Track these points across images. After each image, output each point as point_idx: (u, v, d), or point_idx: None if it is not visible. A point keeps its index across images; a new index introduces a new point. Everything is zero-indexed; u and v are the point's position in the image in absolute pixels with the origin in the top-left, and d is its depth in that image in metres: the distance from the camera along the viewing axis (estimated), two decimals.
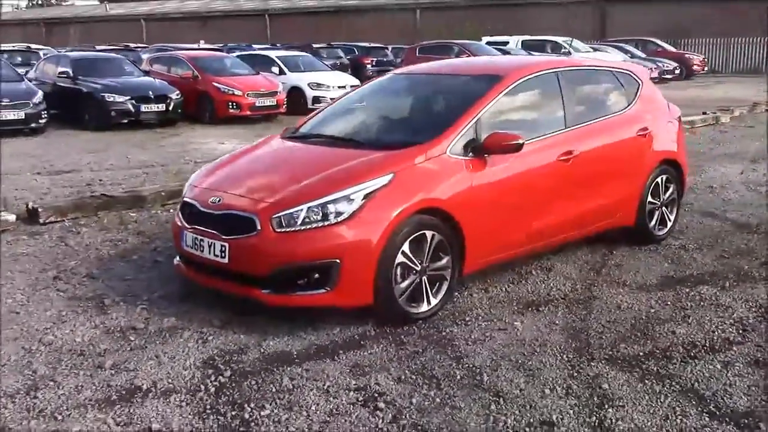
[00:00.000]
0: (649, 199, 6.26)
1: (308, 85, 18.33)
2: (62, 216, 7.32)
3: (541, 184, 5.37)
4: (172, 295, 5.21)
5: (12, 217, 7.08)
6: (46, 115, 14.17)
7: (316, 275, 4.41)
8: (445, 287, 4.82)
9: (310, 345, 4.40)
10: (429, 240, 4.67)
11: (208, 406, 3.68)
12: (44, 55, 18.93)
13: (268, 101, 16.61)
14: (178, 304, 5.03)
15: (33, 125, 13.91)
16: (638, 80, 6.41)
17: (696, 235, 6.72)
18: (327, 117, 5.93)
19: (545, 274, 5.68)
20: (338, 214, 4.42)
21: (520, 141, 4.97)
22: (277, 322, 4.65)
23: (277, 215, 4.45)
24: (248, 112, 16.25)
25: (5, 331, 4.59)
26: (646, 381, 3.93)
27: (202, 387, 3.87)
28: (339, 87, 17.81)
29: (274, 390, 3.84)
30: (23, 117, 13.75)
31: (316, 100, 17.68)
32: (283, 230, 4.43)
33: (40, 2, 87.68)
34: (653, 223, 6.35)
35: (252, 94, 16.20)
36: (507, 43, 26.43)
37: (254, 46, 28.18)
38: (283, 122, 14.89)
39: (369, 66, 25.47)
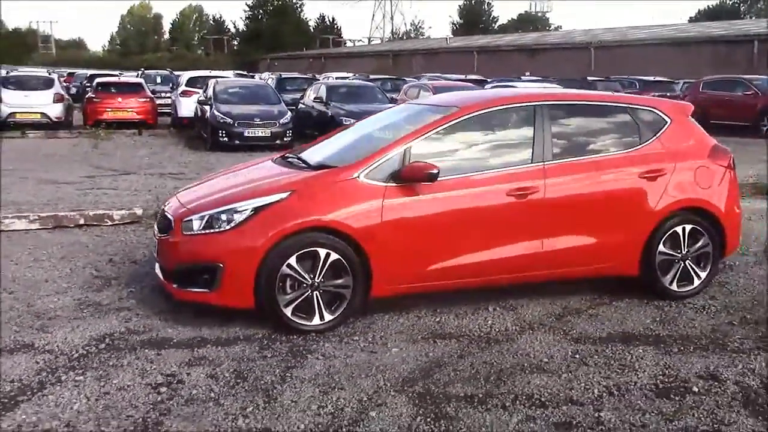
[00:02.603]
0: (662, 248, 5.64)
1: None
2: None
3: (481, 219, 5.23)
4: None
5: (140, 211, 8.57)
6: (290, 134, 16.23)
7: (205, 276, 4.95)
8: (344, 306, 5.02)
9: (196, 337, 4.94)
10: (322, 257, 4.92)
11: (53, 367, 4.43)
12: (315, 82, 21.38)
13: None
14: (154, 293, 5.85)
15: (278, 142, 16.02)
16: (665, 118, 5.80)
17: (739, 297, 5.85)
18: (326, 141, 6.33)
19: (500, 312, 5.50)
20: (229, 222, 4.92)
21: (434, 171, 4.97)
22: (202, 316, 5.23)
23: (187, 219, 5.08)
24: None
25: (20, 292, 5.81)
26: (419, 418, 3.84)
27: (70, 353, 4.64)
28: None
29: (110, 364, 4.47)
30: (269, 134, 15.99)
31: None
32: (188, 233, 5.05)
33: (401, 36, 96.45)
34: (669, 277, 5.68)
35: None
36: None
37: (522, 78, 28.54)
38: None
39: None
